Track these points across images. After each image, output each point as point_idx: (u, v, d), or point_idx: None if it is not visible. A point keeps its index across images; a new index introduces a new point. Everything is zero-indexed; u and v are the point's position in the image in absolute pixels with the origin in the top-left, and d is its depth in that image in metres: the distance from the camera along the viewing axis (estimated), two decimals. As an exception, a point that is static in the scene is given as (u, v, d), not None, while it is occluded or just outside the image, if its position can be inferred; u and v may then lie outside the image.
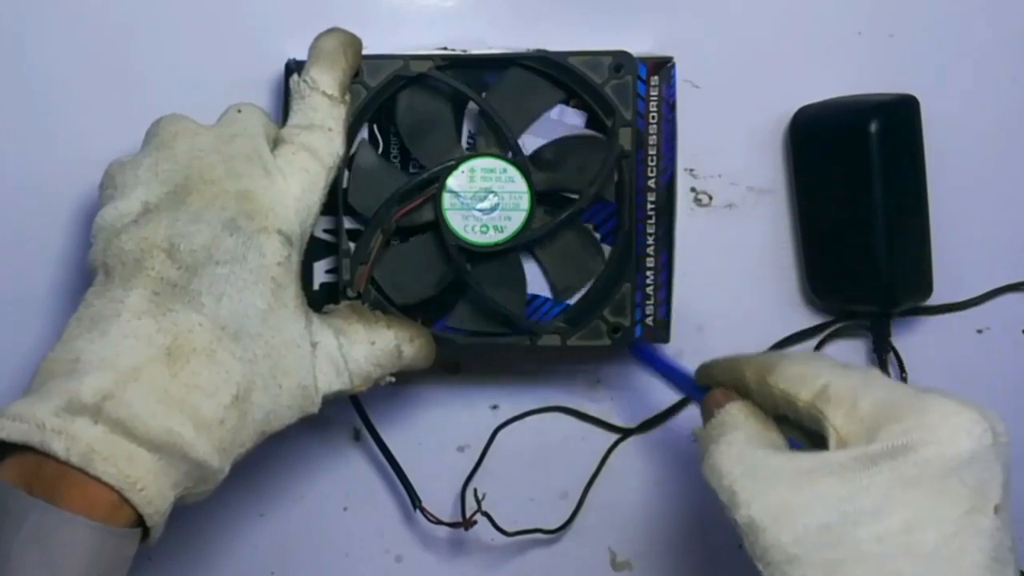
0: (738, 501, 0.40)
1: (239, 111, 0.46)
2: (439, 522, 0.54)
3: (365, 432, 0.55)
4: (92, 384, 0.38)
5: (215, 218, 0.42)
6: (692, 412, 0.58)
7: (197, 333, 0.40)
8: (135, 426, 0.38)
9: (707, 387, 0.47)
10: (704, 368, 0.48)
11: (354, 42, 0.49)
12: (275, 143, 0.46)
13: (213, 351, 0.40)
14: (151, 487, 0.37)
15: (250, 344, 0.41)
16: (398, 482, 0.55)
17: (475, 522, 0.54)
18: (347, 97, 0.48)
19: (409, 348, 0.47)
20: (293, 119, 0.47)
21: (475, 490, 0.55)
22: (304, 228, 0.44)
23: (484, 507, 0.54)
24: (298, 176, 0.44)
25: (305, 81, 0.47)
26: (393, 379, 0.47)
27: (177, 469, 0.39)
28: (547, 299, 0.53)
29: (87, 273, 0.43)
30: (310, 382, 0.43)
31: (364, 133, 0.52)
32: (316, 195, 0.45)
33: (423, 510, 0.54)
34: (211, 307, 0.40)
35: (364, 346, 0.46)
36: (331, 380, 0.44)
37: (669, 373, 0.52)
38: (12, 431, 0.37)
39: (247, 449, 0.42)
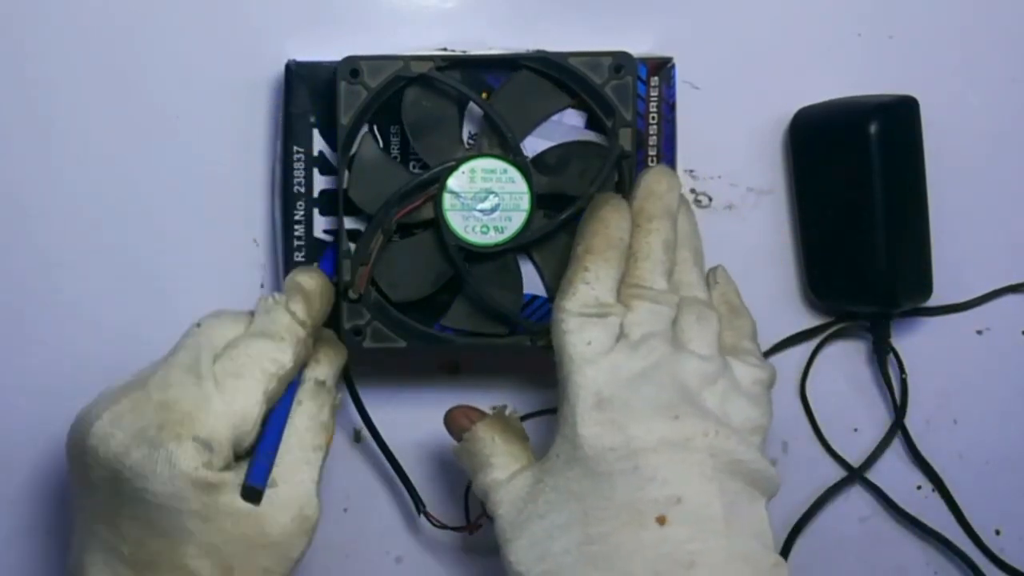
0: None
1: (198, 325, 0.45)
2: (443, 526, 0.54)
3: (366, 433, 0.55)
4: None
5: (129, 426, 0.41)
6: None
7: (146, 545, 0.40)
8: None
9: None
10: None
11: (329, 289, 0.49)
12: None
13: (169, 559, 0.40)
14: None
15: (202, 539, 0.40)
16: (399, 483, 0.55)
17: (480, 526, 0.53)
18: (310, 329, 0.46)
19: (325, 371, 0.47)
20: (250, 328, 0.45)
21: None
22: (239, 432, 0.42)
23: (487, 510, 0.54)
24: (230, 381, 0.43)
25: (273, 297, 0.46)
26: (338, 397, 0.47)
27: None
28: (547, 300, 0.53)
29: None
30: (293, 510, 0.43)
31: (363, 133, 0.52)
32: (252, 399, 0.43)
33: (427, 515, 0.53)
34: (144, 518, 0.40)
35: (304, 431, 0.45)
36: (308, 478, 0.44)
37: None
38: None
39: None
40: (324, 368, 0.47)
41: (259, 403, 0.43)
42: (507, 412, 0.48)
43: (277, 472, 0.43)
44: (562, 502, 0.42)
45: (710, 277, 0.49)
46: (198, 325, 0.45)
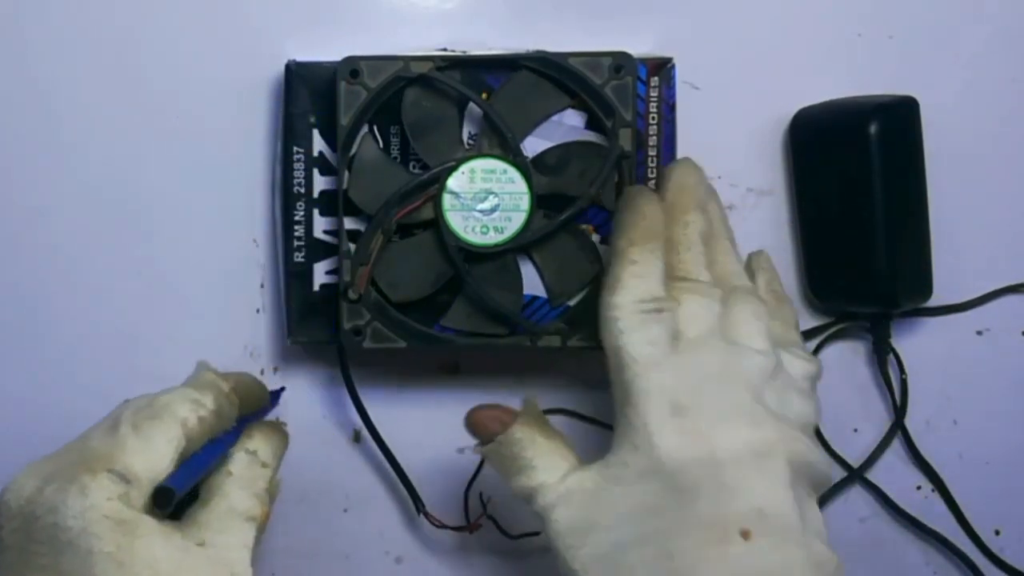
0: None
1: (125, 402, 0.44)
2: (443, 526, 0.54)
3: (365, 433, 0.55)
4: None
5: (44, 472, 0.39)
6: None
7: None
8: None
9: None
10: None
11: (258, 386, 0.49)
12: None
13: None
14: None
15: None
16: (399, 483, 0.55)
17: (480, 526, 0.54)
18: (231, 388, 0.45)
19: (258, 445, 0.44)
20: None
21: (480, 494, 0.55)
22: (157, 470, 0.40)
23: (488, 510, 0.54)
24: (146, 424, 0.41)
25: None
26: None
27: None
28: (547, 300, 0.53)
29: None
30: (223, 573, 0.40)
31: (363, 133, 0.52)
32: (168, 435, 0.41)
33: (427, 515, 0.53)
34: (53, 566, 0.37)
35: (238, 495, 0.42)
36: (239, 544, 0.41)
37: None
38: None
39: None
40: (258, 442, 0.44)
41: (176, 438, 0.41)
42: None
43: (204, 534, 0.40)
44: (637, 517, 0.39)
45: (753, 263, 0.48)
46: (125, 401, 0.44)
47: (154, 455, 0.40)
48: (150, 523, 0.38)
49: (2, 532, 0.38)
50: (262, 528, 0.42)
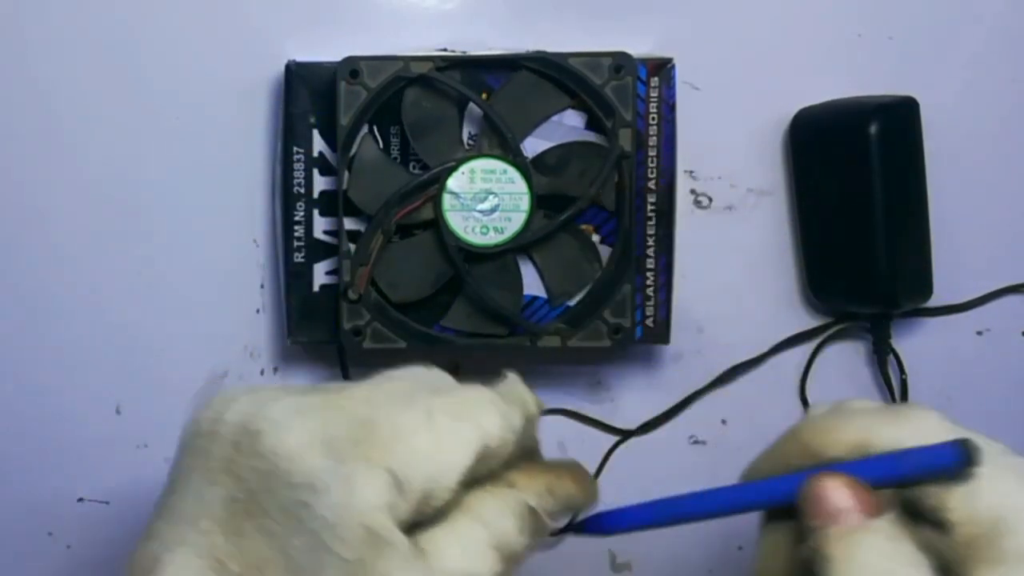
0: None
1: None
2: None
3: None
4: None
5: (314, 427, 0.32)
6: (692, 413, 0.58)
7: (266, 570, 0.31)
8: None
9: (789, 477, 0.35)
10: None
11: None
12: None
13: None
14: None
15: None
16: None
17: None
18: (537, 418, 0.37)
19: (538, 490, 0.36)
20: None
21: None
22: (433, 486, 0.32)
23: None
24: (444, 420, 0.33)
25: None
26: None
27: None
28: (547, 300, 0.53)
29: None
30: None
31: (363, 134, 0.52)
32: (463, 450, 0.33)
33: None
34: (279, 543, 0.31)
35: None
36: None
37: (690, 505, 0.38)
38: None
39: None
40: (539, 487, 0.36)
41: (468, 457, 0.33)
42: None
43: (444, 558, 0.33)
44: None
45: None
46: (405, 370, 0.37)
47: (442, 466, 0.33)
48: (403, 545, 0.32)
49: (239, 461, 0.32)
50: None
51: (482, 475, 0.34)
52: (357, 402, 0.34)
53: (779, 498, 0.34)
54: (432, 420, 0.33)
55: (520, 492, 0.35)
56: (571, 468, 0.38)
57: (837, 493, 0.33)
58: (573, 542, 0.57)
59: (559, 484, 0.36)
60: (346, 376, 0.53)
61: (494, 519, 0.34)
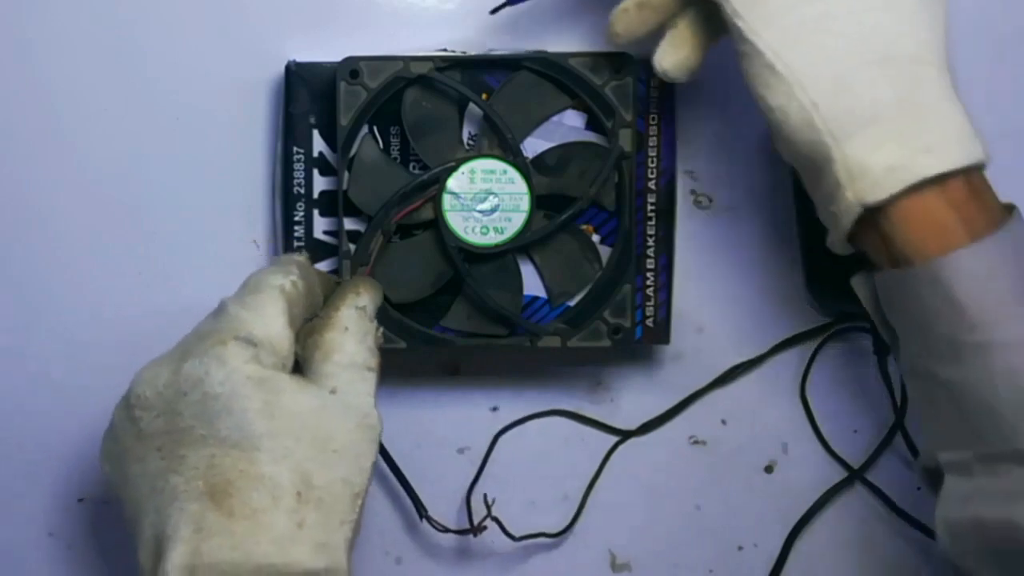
0: None
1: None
2: (446, 530, 0.53)
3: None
4: (174, 564, 0.38)
5: (170, 361, 0.42)
6: (692, 413, 0.58)
7: (221, 465, 0.39)
8: None
9: None
10: None
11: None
12: None
13: (243, 470, 0.39)
14: None
15: (273, 442, 0.40)
16: (398, 485, 0.54)
17: (485, 527, 0.53)
18: (312, 267, 0.48)
19: (365, 300, 0.47)
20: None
21: (484, 495, 0.54)
22: (275, 336, 0.43)
23: (491, 512, 0.54)
24: (249, 297, 0.44)
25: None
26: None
27: None
28: (547, 301, 0.53)
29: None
30: (356, 418, 0.43)
31: (363, 134, 0.52)
32: (274, 307, 0.43)
33: (429, 520, 0.53)
34: (209, 433, 0.40)
35: (353, 346, 0.45)
36: (365, 391, 0.44)
37: None
38: None
39: (356, 518, 0.41)
40: (365, 298, 0.46)
41: (281, 303, 0.43)
42: None
43: (334, 384, 0.43)
44: None
45: None
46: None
47: (267, 319, 0.42)
48: (285, 379, 0.41)
49: (140, 424, 0.41)
50: (378, 378, 0.45)
51: (309, 314, 0.45)
52: (189, 335, 0.43)
53: None
54: (242, 303, 0.43)
55: (341, 307, 0.45)
56: (357, 279, 0.49)
57: None
58: (573, 542, 0.58)
59: (359, 290, 0.47)
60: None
61: (351, 345, 0.44)
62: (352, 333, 0.45)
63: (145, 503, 0.41)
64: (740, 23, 0.43)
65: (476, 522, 0.53)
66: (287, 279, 0.44)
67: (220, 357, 0.40)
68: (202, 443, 0.40)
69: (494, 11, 0.50)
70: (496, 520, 0.54)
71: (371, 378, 0.44)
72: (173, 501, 0.39)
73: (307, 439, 0.40)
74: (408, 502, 0.54)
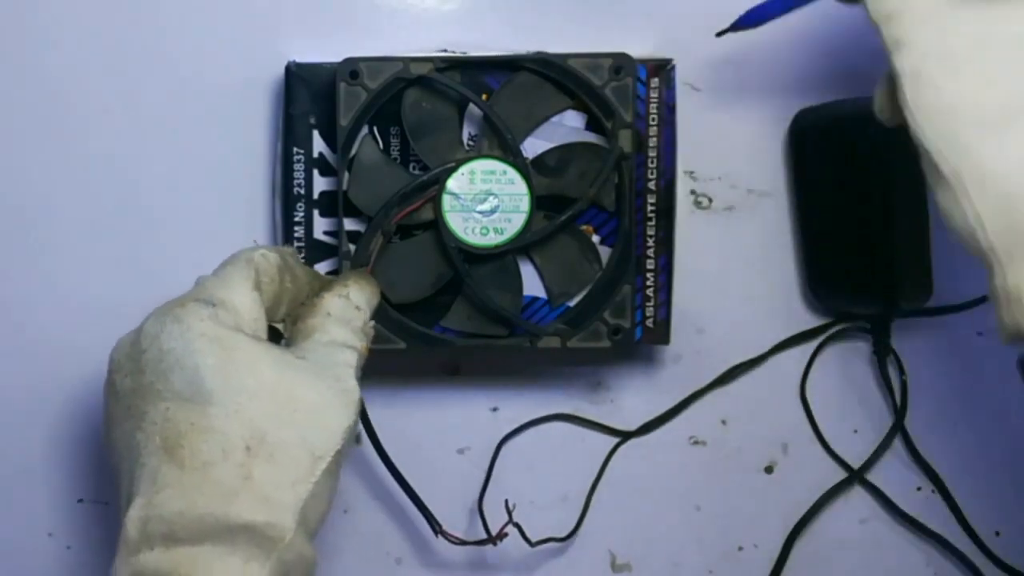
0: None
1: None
2: (463, 542, 0.52)
3: (365, 435, 0.55)
4: (131, 517, 0.39)
5: (138, 328, 0.42)
6: (692, 414, 0.58)
7: (174, 418, 0.40)
8: (177, 532, 0.38)
9: None
10: None
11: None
12: None
13: (194, 423, 0.40)
14: (236, 569, 0.38)
15: (228, 398, 0.40)
16: (398, 485, 0.54)
17: (506, 535, 0.52)
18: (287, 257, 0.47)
19: (353, 292, 0.46)
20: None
21: (506, 501, 0.53)
22: (234, 294, 0.43)
23: (488, 513, 0.54)
24: (218, 270, 0.44)
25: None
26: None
27: (237, 544, 0.38)
28: (547, 301, 0.53)
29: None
30: (326, 381, 0.42)
31: (363, 135, 0.52)
32: (241, 275, 0.44)
33: (444, 534, 0.51)
34: (165, 388, 0.40)
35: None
36: (342, 362, 0.43)
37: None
38: None
39: (317, 482, 0.40)
40: (352, 289, 0.46)
41: (249, 272, 0.43)
42: None
43: (306, 354, 0.43)
44: None
45: None
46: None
47: (231, 284, 0.43)
48: (244, 338, 0.41)
49: (116, 388, 0.42)
50: (362, 362, 0.44)
51: (290, 299, 0.45)
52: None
53: None
54: (214, 273, 0.44)
55: (326, 295, 0.46)
56: (348, 272, 0.49)
57: None
58: (574, 543, 0.58)
59: (348, 281, 0.47)
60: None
61: (332, 327, 0.44)
62: (335, 318, 0.45)
63: (122, 465, 0.41)
64: (910, 118, 0.40)
65: (495, 531, 0.52)
66: (256, 252, 0.44)
67: (177, 316, 0.41)
68: (159, 398, 0.40)
69: (720, 34, 0.49)
70: (517, 526, 0.53)
71: (350, 353, 0.44)
72: (138, 458, 0.40)
73: (263, 396, 0.40)
74: (408, 504, 0.54)
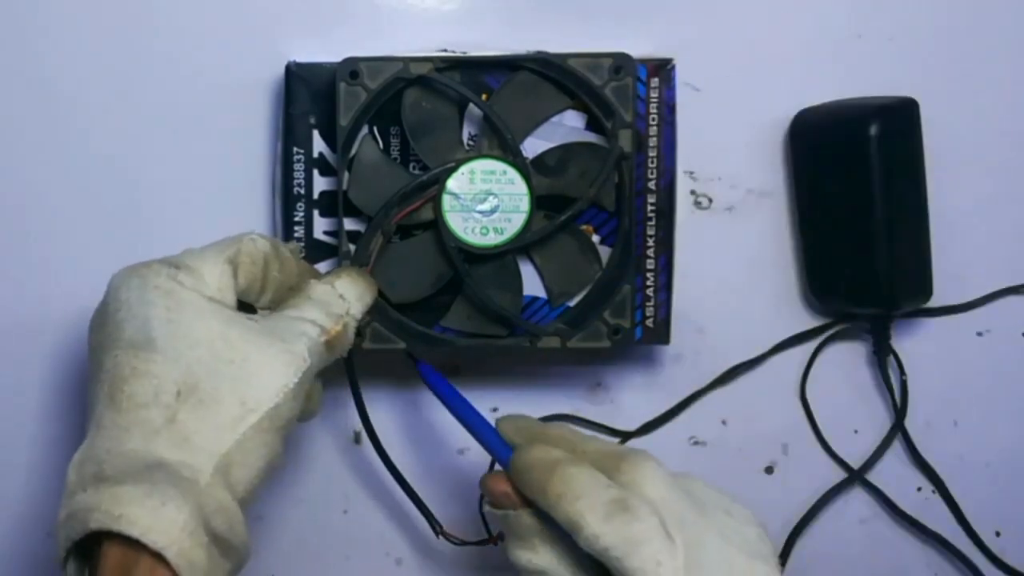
0: None
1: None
2: (464, 543, 0.52)
3: (365, 435, 0.55)
4: (72, 461, 0.40)
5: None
6: (692, 414, 0.58)
7: (120, 364, 0.41)
8: (105, 470, 0.39)
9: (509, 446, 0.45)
10: (510, 423, 0.46)
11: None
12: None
13: (135, 367, 0.41)
14: (153, 510, 0.38)
15: (170, 345, 0.41)
16: (397, 485, 0.54)
17: (503, 537, 0.52)
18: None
19: (341, 283, 0.47)
20: None
21: None
22: (207, 265, 0.44)
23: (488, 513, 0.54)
24: (196, 250, 0.45)
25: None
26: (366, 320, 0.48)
27: (156, 484, 0.39)
28: (547, 301, 0.53)
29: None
30: (275, 343, 0.42)
31: (363, 135, 0.52)
32: (213, 249, 0.45)
33: (446, 535, 0.52)
34: (118, 337, 0.41)
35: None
36: (299, 332, 0.43)
37: (460, 411, 0.48)
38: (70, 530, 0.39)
39: (245, 434, 0.40)
40: (342, 280, 0.47)
41: (228, 250, 0.44)
42: None
43: (269, 319, 0.43)
44: None
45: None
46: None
47: (205, 255, 0.44)
48: (198, 296, 0.42)
49: (90, 347, 0.43)
50: (332, 346, 0.44)
51: (276, 287, 0.45)
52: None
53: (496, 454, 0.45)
54: (196, 248, 0.45)
55: (314, 283, 0.46)
56: (345, 268, 0.49)
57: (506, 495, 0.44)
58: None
59: (341, 274, 0.47)
60: (352, 380, 0.52)
61: (313, 300, 0.45)
62: (313, 301, 0.45)
63: (89, 424, 0.42)
64: None
65: (496, 531, 0.52)
66: (247, 235, 0.45)
67: (139, 272, 0.43)
68: (114, 346, 0.41)
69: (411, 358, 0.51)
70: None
71: (312, 327, 0.44)
72: (93, 408, 0.41)
73: (203, 347, 0.41)
74: (408, 504, 0.54)
